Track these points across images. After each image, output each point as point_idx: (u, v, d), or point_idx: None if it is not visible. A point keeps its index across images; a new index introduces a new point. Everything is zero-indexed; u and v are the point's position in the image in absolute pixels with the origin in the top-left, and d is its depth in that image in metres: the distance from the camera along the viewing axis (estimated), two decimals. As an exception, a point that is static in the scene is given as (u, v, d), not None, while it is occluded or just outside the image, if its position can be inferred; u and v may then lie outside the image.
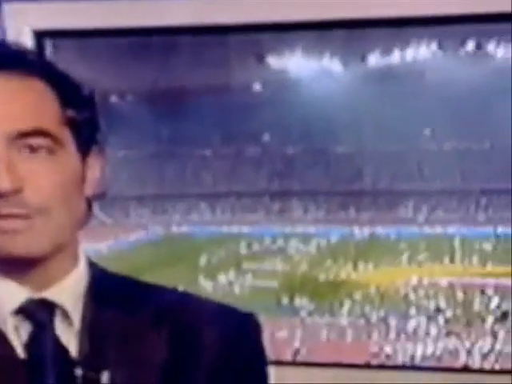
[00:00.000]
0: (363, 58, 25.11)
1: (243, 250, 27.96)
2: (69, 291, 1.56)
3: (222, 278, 25.52)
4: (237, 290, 25.47)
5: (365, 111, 27.76)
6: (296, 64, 25.84)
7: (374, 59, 24.54)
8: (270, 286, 25.04)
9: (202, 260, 26.89)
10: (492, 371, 12.48)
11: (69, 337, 1.54)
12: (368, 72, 25.58)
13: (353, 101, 27.65)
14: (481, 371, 12.24)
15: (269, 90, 29.25)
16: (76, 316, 1.55)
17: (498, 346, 18.51)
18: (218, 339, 1.55)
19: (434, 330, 20.34)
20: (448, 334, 20.10)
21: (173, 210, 29.48)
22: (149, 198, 29.53)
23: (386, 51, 24.72)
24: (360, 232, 26.81)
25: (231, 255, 27.79)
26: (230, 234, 28.78)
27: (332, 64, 25.99)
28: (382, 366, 13.15)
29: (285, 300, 23.93)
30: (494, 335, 19.13)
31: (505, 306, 20.74)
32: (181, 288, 1.61)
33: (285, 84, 28.11)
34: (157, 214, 29.84)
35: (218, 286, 25.01)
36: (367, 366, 10.77)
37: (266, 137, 28.88)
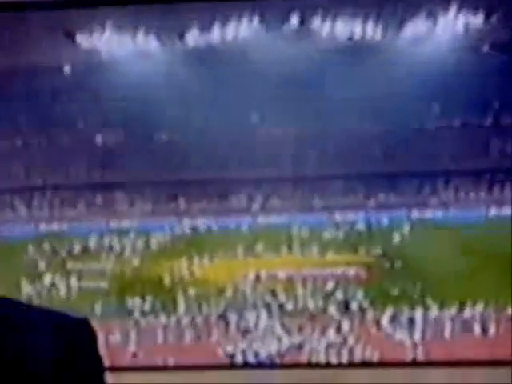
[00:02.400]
0: (181, 36, 24.10)
1: (66, 248, 26.45)
2: None
3: (45, 281, 23.96)
4: (62, 292, 24.00)
5: (188, 95, 26.77)
6: (108, 43, 24.31)
7: (193, 37, 23.63)
8: (99, 287, 23.86)
9: (21, 262, 25.14)
10: (339, 365, 12.23)
11: None
12: (187, 51, 24.60)
13: (173, 84, 26.53)
14: (328, 366, 11.89)
15: (81, 71, 27.40)
16: None
17: (342, 339, 18.27)
18: (49, 349, 1.40)
19: (275, 326, 19.85)
20: (290, 329, 19.67)
21: (-18, 208, 27.29)
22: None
23: (206, 28, 23.84)
24: (191, 224, 26.08)
25: (53, 255, 26.21)
26: (49, 232, 27.16)
27: (148, 42, 24.76)
28: (224, 367, 12.54)
29: (116, 301, 22.84)
30: (339, 327, 18.84)
31: (346, 297, 20.61)
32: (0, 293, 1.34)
33: (97, 65, 26.46)
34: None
35: (40, 289, 23.45)
36: (209, 367, 10.13)
37: (81, 123, 27.26)
